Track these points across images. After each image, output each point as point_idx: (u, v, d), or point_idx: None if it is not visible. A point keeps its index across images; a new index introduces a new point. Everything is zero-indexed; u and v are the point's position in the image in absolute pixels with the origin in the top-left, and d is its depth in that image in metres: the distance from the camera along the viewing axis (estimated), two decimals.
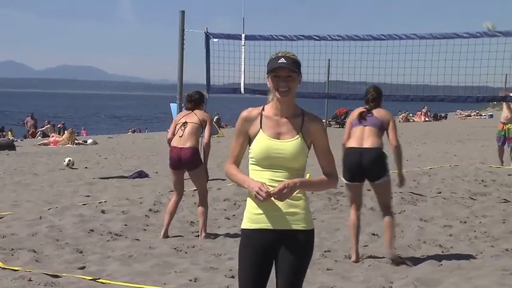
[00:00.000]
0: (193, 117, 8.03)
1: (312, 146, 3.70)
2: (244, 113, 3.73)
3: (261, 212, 3.60)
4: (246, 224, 3.67)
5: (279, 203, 3.57)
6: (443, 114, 53.58)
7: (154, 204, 9.91)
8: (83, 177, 13.72)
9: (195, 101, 8.18)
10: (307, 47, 11.33)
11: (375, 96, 6.99)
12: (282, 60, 3.58)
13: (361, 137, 6.84)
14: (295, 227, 3.60)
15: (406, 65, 10.64)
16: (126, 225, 8.54)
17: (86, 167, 15.95)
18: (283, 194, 3.50)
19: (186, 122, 7.98)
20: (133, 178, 13.36)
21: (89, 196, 10.94)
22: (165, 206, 9.66)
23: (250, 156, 3.68)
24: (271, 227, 3.59)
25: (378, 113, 6.93)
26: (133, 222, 8.72)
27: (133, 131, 43.57)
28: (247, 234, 3.66)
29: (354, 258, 6.90)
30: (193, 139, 7.95)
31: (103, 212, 9.35)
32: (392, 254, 6.83)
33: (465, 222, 8.71)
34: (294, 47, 11.41)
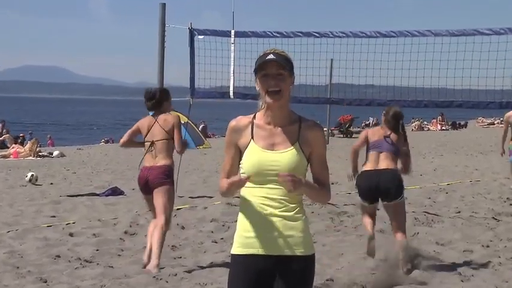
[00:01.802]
0: (157, 133, 7.71)
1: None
2: (232, 123, 3.73)
3: (254, 234, 3.60)
4: (236, 249, 3.66)
5: (273, 223, 3.57)
6: (462, 122, 53.73)
7: (131, 226, 9.89)
8: (47, 194, 13.68)
9: (155, 101, 7.80)
10: (305, 45, 11.33)
11: (393, 124, 7.81)
12: (271, 56, 3.58)
13: (377, 161, 7.71)
14: (292, 252, 3.59)
15: (419, 66, 10.65)
16: (97, 250, 8.51)
17: (52, 183, 15.89)
18: (295, 183, 3.44)
19: (153, 142, 7.68)
20: (106, 196, 13.33)
21: (54, 217, 10.90)
22: (142, 227, 9.64)
23: (241, 171, 3.68)
24: (265, 253, 3.59)
25: (395, 138, 7.80)
26: (106, 247, 8.69)
27: (107, 141, 43.42)
28: (237, 260, 3.65)
29: (370, 231, 7.67)
30: (165, 157, 7.66)
31: (71, 235, 9.31)
32: (409, 270, 7.42)
33: (488, 247, 8.72)
34: (291, 44, 11.43)
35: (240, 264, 3.63)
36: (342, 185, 14.43)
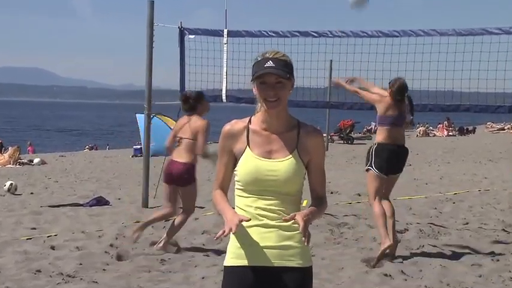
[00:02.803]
0: (187, 131, 8.94)
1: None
2: (226, 127, 3.72)
3: (248, 245, 3.60)
4: (229, 261, 3.66)
5: (268, 234, 3.58)
6: (470, 128, 53.80)
7: (116, 238, 9.86)
8: (27, 205, 13.64)
9: (190, 104, 9.07)
10: (303, 46, 11.39)
11: (399, 97, 8.78)
12: (270, 63, 3.56)
13: (398, 137, 8.79)
14: (289, 263, 3.59)
15: (424, 67, 10.69)
16: (81, 264, 8.49)
17: (32, 193, 15.86)
18: (305, 223, 3.46)
19: (181, 138, 8.97)
20: (91, 206, 13.30)
21: (35, 228, 10.87)
22: (129, 240, 9.62)
23: (236, 179, 3.68)
24: (260, 264, 3.59)
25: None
26: (90, 261, 8.66)
27: (91, 148, 43.47)
28: (231, 272, 3.65)
29: (386, 243, 8.28)
30: (188, 155, 8.90)
31: (53, 248, 9.28)
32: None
33: (498, 261, 8.72)
34: (288, 45, 11.48)
35: (234, 277, 3.63)
36: (342, 194, 14.44)
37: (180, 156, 8.92)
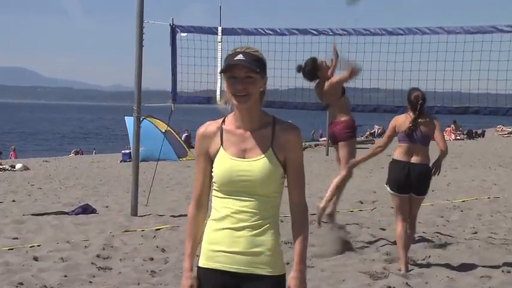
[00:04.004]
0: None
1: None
2: (200, 129, 3.78)
3: (219, 248, 3.65)
4: (202, 262, 3.73)
5: (240, 238, 3.62)
6: (479, 131, 53.90)
7: (104, 249, 9.84)
8: (9, 213, 13.62)
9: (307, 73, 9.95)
10: (302, 44, 11.39)
11: (422, 104, 8.59)
12: (240, 56, 3.60)
13: (409, 154, 8.63)
14: (258, 271, 3.63)
15: (430, 67, 10.70)
16: (66, 276, 8.47)
17: (14, 200, 15.83)
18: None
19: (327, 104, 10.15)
20: (76, 214, 13.28)
21: (17, 238, 10.85)
22: (117, 250, 9.62)
23: (213, 180, 3.73)
24: (229, 269, 3.64)
25: (426, 126, 8.66)
26: (76, 273, 8.65)
27: (77, 153, 43.42)
28: (203, 274, 3.72)
29: (403, 269, 8.41)
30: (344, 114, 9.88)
31: (36, 259, 9.26)
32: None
33: (509, 272, 8.72)
34: (286, 43, 11.49)
35: (205, 279, 3.70)
36: (343, 201, 14.44)
37: (336, 117, 9.90)
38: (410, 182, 8.51)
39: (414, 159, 8.56)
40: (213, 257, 3.66)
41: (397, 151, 8.68)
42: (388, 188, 8.69)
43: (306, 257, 3.71)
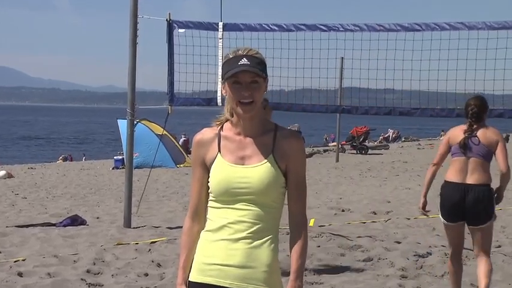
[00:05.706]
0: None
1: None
2: (197, 137, 3.83)
3: (214, 261, 3.68)
4: (193, 275, 3.76)
5: (236, 251, 3.64)
6: (504, 135, 53.88)
7: (94, 264, 9.85)
8: None
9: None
10: (310, 41, 11.38)
11: (475, 111, 7.68)
12: (244, 60, 3.61)
13: (464, 171, 7.72)
14: (251, 287, 3.66)
15: (450, 66, 10.69)
16: None
17: None
18: None
19: None
20: (65, 226, 13.29)
21: (0, 252, 10.86)
22: (109, 265, 9.62)
23: (209, 190, 3.76)
24: (222, 283, 3.67)
25: (484, 136, 7.69)
26: None
27: (65, 159, 43.47)
28: None
29: None
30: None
31: (20, 274, 9.27)
32: None
33: None
34: (293, 40, 11.47)
35: None
36: (355, 212, 14.44)
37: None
38: (465, 207, 7.67)
39: (471, 179, 7.66)
40: (206, 271, 3.69)
41: (449, 170, 7.86)
42: (440, 216, 7.93)
43: (303, 273, 3.72)
